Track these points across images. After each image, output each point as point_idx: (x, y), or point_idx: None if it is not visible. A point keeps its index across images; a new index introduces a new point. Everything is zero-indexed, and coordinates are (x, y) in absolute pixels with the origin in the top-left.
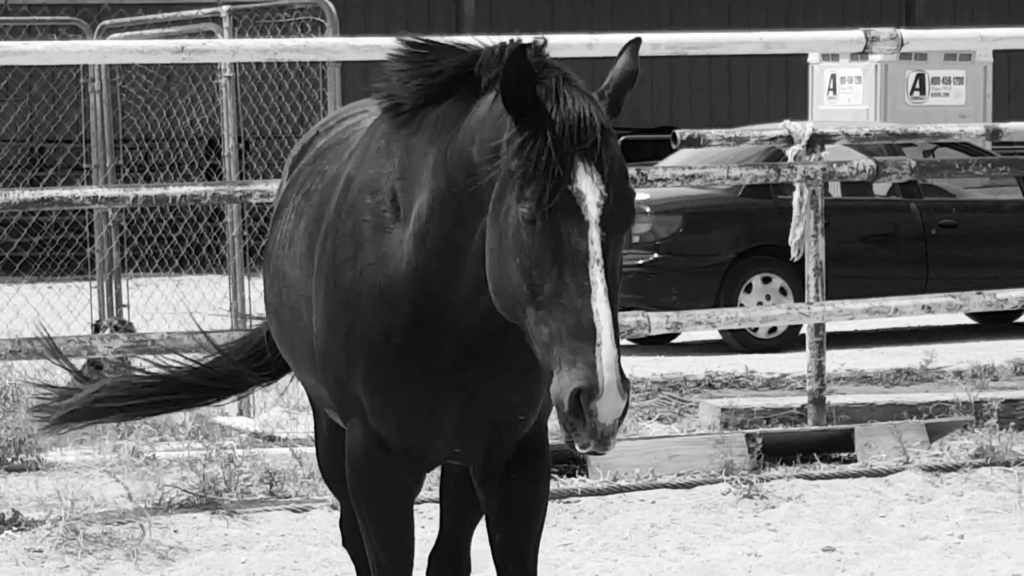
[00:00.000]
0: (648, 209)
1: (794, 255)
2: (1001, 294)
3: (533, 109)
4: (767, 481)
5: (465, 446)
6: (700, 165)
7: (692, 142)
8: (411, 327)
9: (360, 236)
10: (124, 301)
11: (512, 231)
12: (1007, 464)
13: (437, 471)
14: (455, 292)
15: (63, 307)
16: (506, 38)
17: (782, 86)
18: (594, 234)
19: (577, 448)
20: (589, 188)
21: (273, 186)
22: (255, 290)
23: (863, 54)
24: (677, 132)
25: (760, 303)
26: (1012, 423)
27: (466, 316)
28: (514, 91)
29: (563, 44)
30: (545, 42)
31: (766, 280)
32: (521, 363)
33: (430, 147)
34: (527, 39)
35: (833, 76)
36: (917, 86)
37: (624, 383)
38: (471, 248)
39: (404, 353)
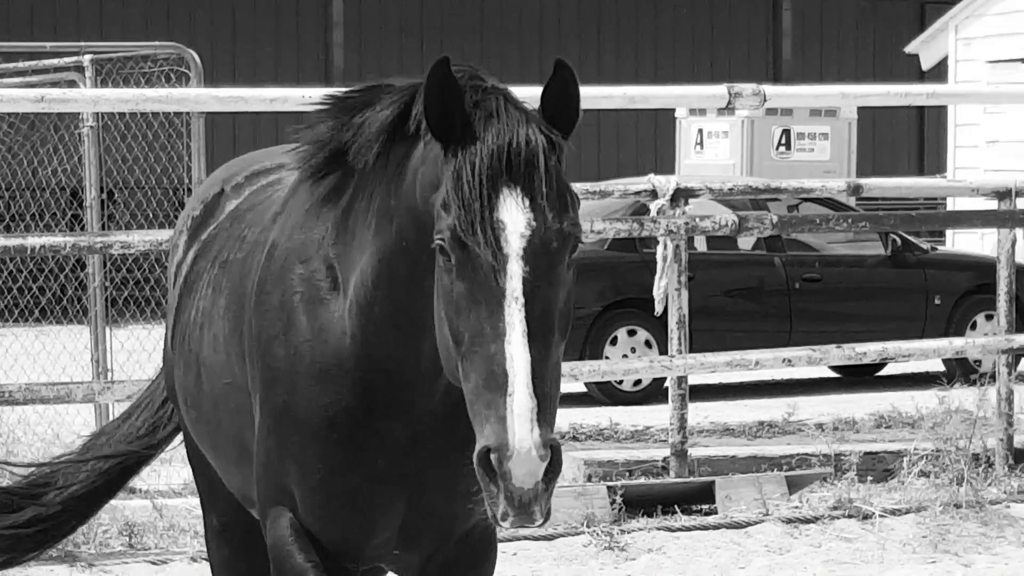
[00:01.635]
0: None
1: (658, 309)
2: (860, 347)
3: (462, 132)
4: (628, 533)
5: (408, 546)
6: None
7: None
8: (358, 411)
9: (291, 310)
10: None
11: (439, 274)
12: (866, 516)
13: None
14: (411, 367)
15: None
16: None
17: (651, 140)
18: (513, 268)
19: (499, 520)
20: (512, 217)
21: (135, 237)
22: (116, 340)
23: (728, 109)
24: None
25: (625, 355)
26: (871, 475)
27: (424, 396)
28: (437, 110)
29: None
30: (479, 69)
31: (631, 333)
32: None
33: (372, 201)
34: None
35: (700, 131)
36: (783, 141)
37: (545, 438)
38: (429, 314)
39: (350, 440)
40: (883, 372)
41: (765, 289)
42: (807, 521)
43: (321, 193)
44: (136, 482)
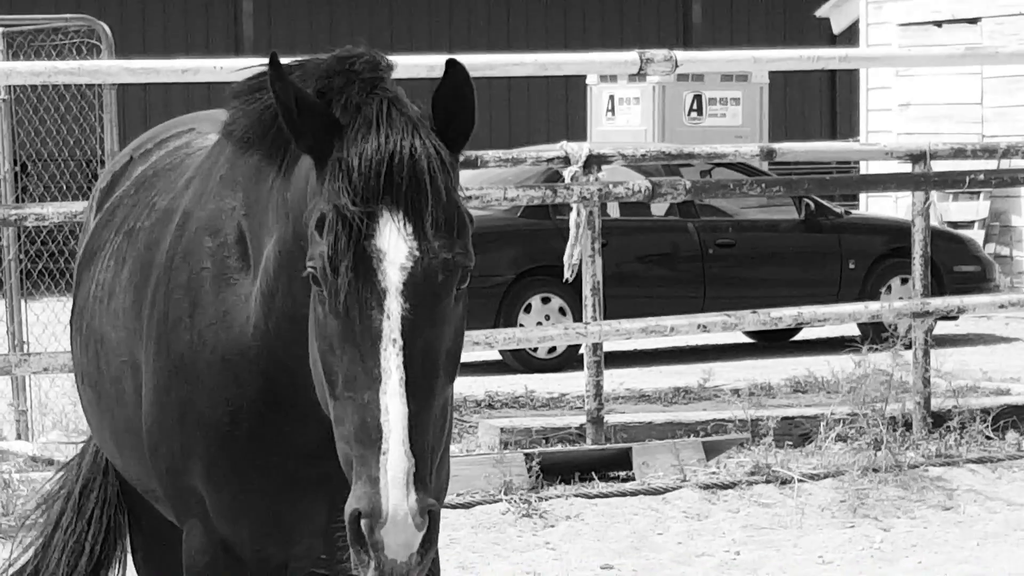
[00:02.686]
0: None
1: (568, 275)
2: (775, 312)
3: (337, 142)
4: (546, 500)
5: (334, 551)
6: (478, 186)
7: (470, 164)
8: (262, 407)
9: (198, 288)
10: None
11: (313, 303)
12: (784, 481)
13: None
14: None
15: None
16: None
17: (562, 107)
18: (392, 306)
19: None
20: (391, 245)
21: (50, 209)
22: (31, 313)
23: (640, 75)
24: None
25: (539, 323)
26: (788, 440)
27: None
28: (295, 127)
29: None
30: (381, 60)
31: (545, 300)
32: None
33: (276, 179)
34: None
35: (612, 97)
36: (695, 107)
37: (422, 504)
38: None
39: (255, 438)
40: (798, 337)
41: (679, 255)
42: (725, 487)
43: (235, 159)
44: (55, 454)
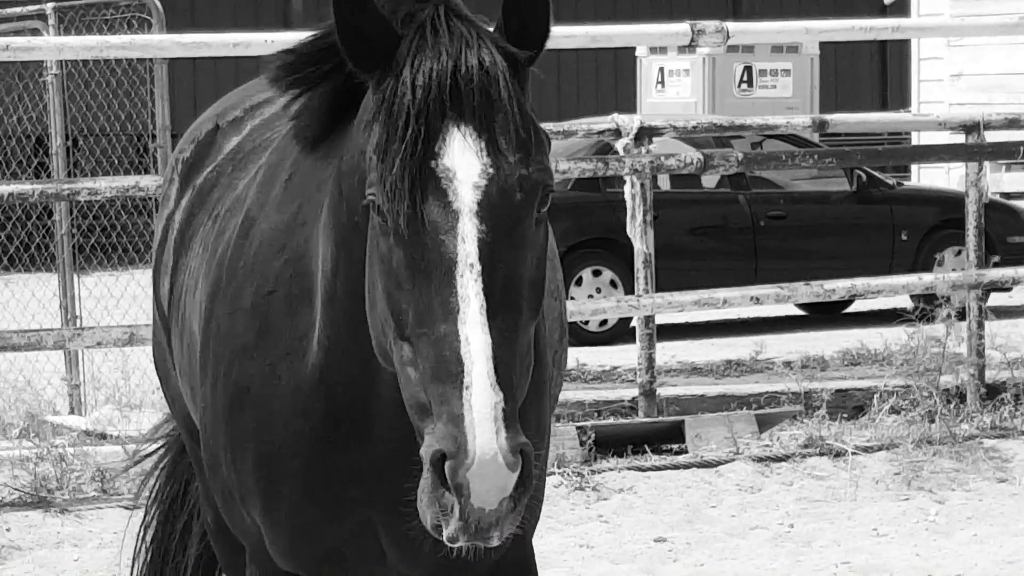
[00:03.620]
0: None
1: (636, 246)
2: (828, 284)
3: (394, 57)
4: (599, 473)
5: (413, 568)
6: None
7: None
8: (323, 432)
9: (266, 314)
10: None
11: (374, 237)
12: (837, 454)
13: None
14: (374, 373)
15: None
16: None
17: (611, 80)
18: (467, 228)
19: (445, 540)
20: (463, 163)
21: (102, 183)
22: (84, 287)
23: (690, 47)
24: None
25: (591, 296)
26: (841, 413)
27: (387, 409)
28: (350, 32)
29: None
30: None
31: (596, 273)
32: None
33: (328, 165)
34: None
35: (661, 69)
36: (745, 78)
37: (513, 442)
38: None
39: (315, 467)
40: (850, 310)
41: (730, 227)
42: (778, 459)
43: (306, 164)
44: (107, 428)
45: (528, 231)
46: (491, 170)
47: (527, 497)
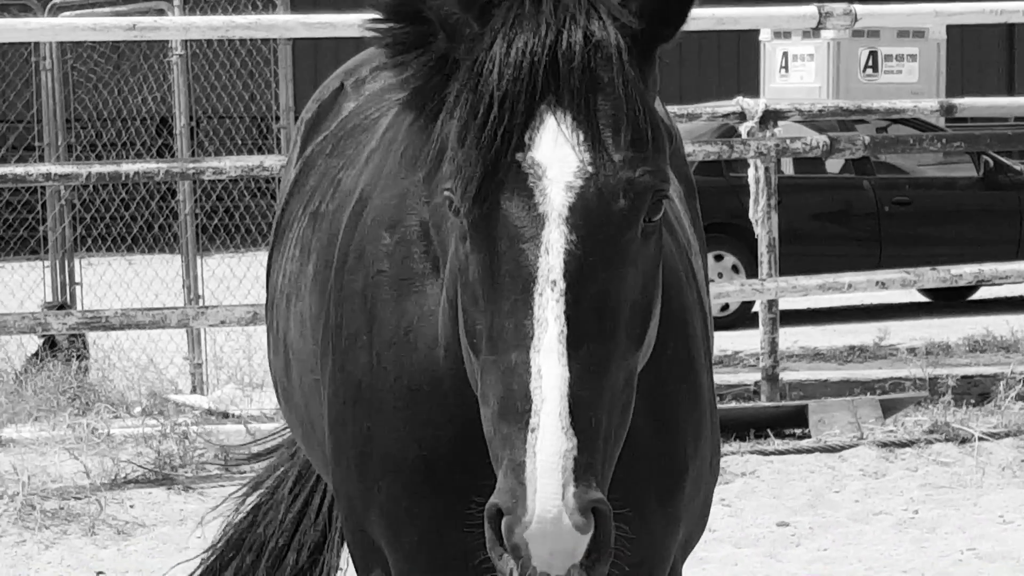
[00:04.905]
0: None
1: (757, 231)
2: (955, 269)
3: (485, 24)
4: (722, 456)
5: None
6: None
7: None
8: (460, 449)
9: (375, 297)
10: (76, 279)
11: (453, 239)
12: (963, 440)
13: None
14: None
15: (16, 285)
16: None
17: (733, 64)
18: (552, 237)
19: None
20: (556, 157)
21: (227, 163)
22: (207, 268)
23: (815, 31)
24: None
25: (712, 281)
26: (967, 399)
27: None
28: (439, 9)
29: None
30: None
31: (718, 258)
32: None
33: None
34: None
35: (785, 54)
36: (870, 63)
37: (583, 500)
38: None
39: (449, 491)
40: (974, 297)
41: (854, 213)
42: (903, 445)
43: (424, 134)
44: (229, 407)
45: (631, 244)
46: (590, 168)
47: (606, 565)
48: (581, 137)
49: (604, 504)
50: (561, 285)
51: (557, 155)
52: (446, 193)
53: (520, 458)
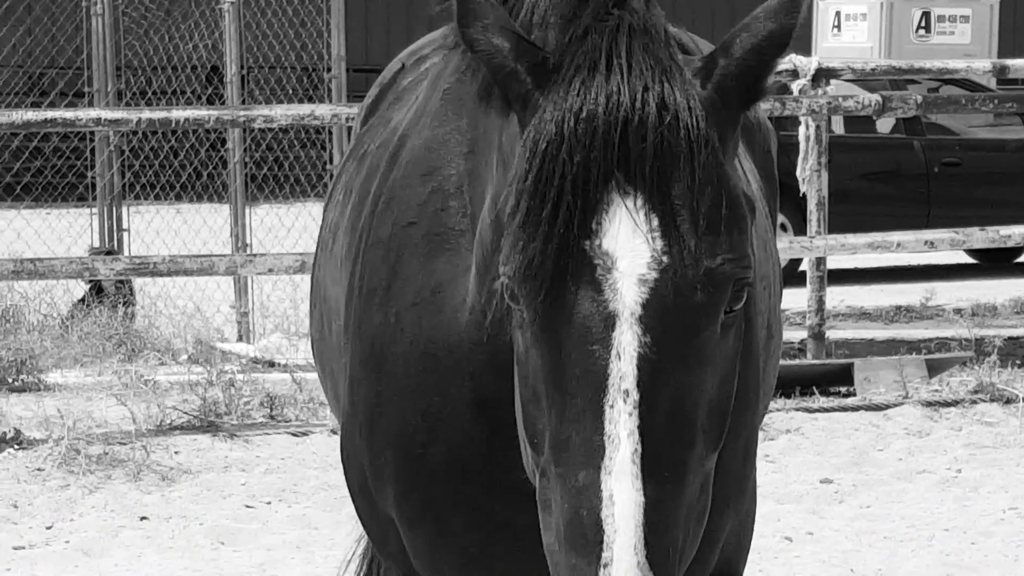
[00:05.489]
0: None
1: (803, 189)
2: (1004, 230)
3: (548, 88)
4: (766, 413)
5: None
6: None
7: None
8: (469, 424)
9: (401, 250)
10: (124, 226)
11: (513, 324)
12: (1007, 400)
13: None
14: None
15: (64, 231)
16: None
17: None
18: (625, 339)
19: None
20: (628, 248)
21: (278, 111)
22: (255, 217)
23: None
24: None
25: None
26: (1012, 360)
27: None
28: (488, 61)
29: None
30: None
31: None
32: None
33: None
34: None
35: (838, 13)
36: (922, 24)
37: None
38: None
39: (458, 467)
40: (1021, 259)
41: (903, 173)
42: (947, 404)
43: (470, 74)
44: (275, 356)
45: (710, 342)
46: (665, 259)
47: None
48: (654, 223)
49: None
50: (635, 396)
51: (629, 246)
52: (503, 278)
53: None
